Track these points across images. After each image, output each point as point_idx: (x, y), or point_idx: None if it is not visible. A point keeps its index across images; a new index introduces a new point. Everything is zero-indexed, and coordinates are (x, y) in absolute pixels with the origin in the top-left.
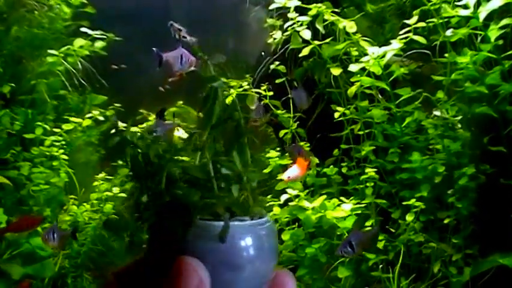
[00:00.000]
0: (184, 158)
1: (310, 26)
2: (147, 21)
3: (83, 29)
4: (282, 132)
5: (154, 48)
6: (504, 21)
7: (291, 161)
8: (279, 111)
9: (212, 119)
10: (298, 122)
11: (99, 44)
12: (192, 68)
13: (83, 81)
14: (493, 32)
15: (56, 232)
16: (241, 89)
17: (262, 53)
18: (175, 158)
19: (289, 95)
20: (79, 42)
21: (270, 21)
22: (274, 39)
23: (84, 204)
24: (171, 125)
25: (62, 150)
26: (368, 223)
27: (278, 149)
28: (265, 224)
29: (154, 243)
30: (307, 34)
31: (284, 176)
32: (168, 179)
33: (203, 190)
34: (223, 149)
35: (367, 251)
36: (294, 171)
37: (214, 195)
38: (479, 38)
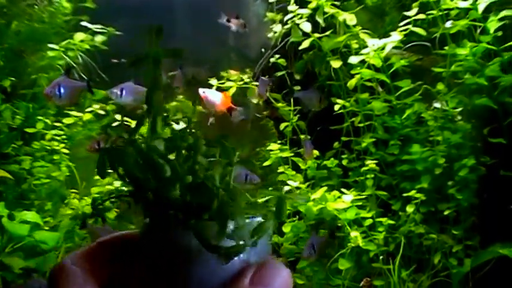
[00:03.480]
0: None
1: (310, 18)
2: (151, 14)
3: (83, 23)
4: (282, 125)
5: None
6: (503, 13)
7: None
8: (279, 104)
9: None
10: (298, 115)
11: (99, 38)
12: None
13: (83, 76)
14: (493, 24)
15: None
16: (241, 82)
17: (263, 50)
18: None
19: (289, 88)
20: (80, 36)
21: (270, 15)
22: (275, 32)
23: (85, 198)
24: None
25: (62, 145)
26: (369, 214)
27: (279, 142)
28: None
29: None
30: (307, 27)
31: (204, 91)
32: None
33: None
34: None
35: (322, 255)
36: (216, 96)
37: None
38: (478, 30)
